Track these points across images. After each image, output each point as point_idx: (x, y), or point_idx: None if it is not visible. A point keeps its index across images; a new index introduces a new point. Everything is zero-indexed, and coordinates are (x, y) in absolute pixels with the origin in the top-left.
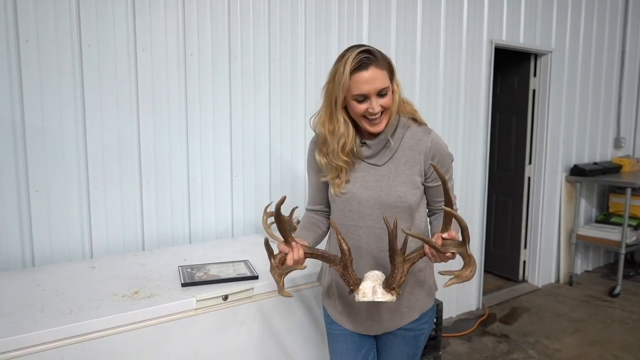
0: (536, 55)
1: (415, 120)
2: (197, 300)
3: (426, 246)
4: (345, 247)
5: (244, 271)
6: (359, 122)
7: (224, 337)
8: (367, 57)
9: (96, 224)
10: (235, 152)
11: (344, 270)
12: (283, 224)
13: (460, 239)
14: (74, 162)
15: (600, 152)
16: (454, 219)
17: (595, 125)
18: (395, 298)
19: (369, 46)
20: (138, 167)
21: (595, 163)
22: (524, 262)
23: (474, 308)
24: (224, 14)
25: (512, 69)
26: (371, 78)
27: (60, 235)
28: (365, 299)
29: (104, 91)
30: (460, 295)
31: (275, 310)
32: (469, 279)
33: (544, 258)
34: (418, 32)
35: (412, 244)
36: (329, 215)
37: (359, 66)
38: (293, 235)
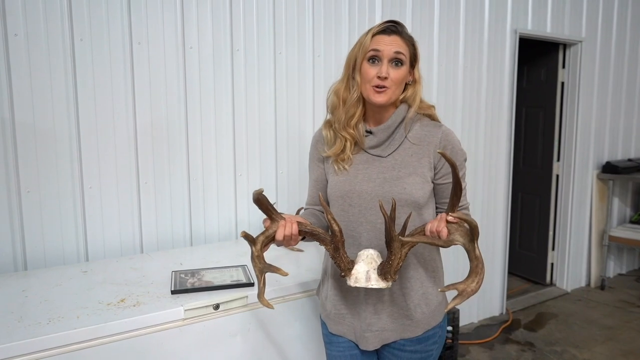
0: (565, 46)
1: (429, 116)
2: (185, 310)
3: (427, 228)
4: (336, 228)
5: (239, 277)
6: (365, 92)
7: (214, 350)
8: (394, 25)
9: (91, 225)
10: (239, 150)
11: (335, 253)
12: (263, 201)
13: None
14: (67, 161)
15: (635, 147)
16: (463, 197)
17: (629, 120)
18: (390, 285)
19: (400, 22)
20: (135, 165)
21: (629, 160)
22: (552, 264)
23: (497, 313)
24: (225, 4)
25: (539, 60)
26: (390, 42)
27: (53, 237)
28: (358, 285)
29: (98, 87)
30: (482, 299)
31: (271, 321)
32: (474, 292)
33: (574, 260)
34: (435, 21)
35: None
36: None
37: (383, 30)
38: None
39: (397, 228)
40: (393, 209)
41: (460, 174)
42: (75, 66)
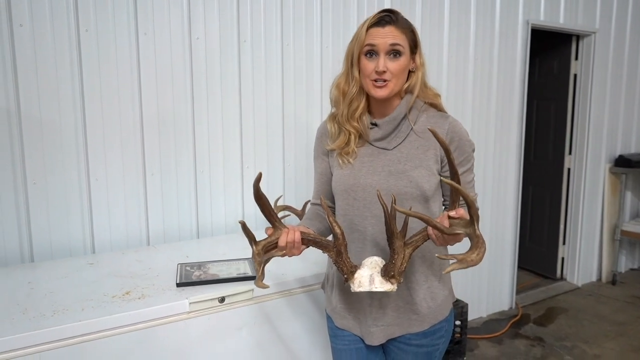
0: (578, 37)
1: (435, 106)
2: (190, 303)
3: (429, 227)
4: (337, 231)
5: (245, 270)
6: (366, 86)
7: (219, 343)
8: (388, 15)
9: (98, 218)
10: (246, 142)
11: (338, 257)
12: (266, 205)
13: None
14: (73, 153)
15: None
16: (471, 189)
17: None
18: (395, 287)
19: (395, 10)
20: (141, 157)
21: None
22: (563, 258)
23: (506, 308)
24: None
25: (551, 52)
26: (385, 34)
27: (60, 229)
28: (362, 289)
29: (104, 78)
30: (491, 293)
31: (277, 314)
32: (475, 263)
33: (585, 255)
34: (446, 12)
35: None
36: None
37: (377, 22)
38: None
39: (400, 223)
40: (393, 206)
41: (469, 166)
42: (80, 57)
